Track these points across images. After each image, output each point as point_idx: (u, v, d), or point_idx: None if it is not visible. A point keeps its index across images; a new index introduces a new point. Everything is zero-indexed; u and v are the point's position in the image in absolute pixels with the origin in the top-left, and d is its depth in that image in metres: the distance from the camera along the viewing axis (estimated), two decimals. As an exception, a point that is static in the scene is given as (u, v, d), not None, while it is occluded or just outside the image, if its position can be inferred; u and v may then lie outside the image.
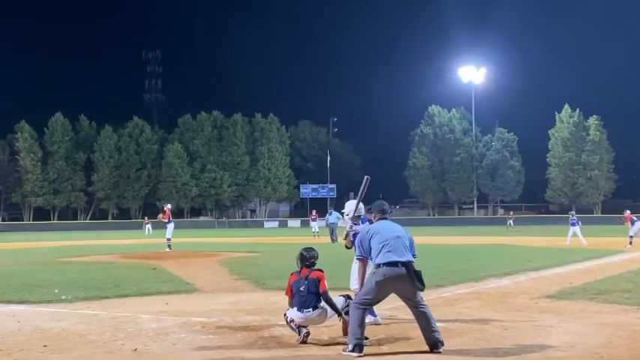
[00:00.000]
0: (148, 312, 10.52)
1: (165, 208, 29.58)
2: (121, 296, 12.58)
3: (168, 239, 27.66)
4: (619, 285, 13.28)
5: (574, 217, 31.05)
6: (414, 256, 7.73)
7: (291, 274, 8.39)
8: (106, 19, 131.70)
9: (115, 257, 23.76)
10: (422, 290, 7.58)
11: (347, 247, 9.24)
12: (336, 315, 8.09)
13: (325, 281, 8.14)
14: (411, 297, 7.54)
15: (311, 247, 8.59)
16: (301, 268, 8.30)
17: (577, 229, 29.94)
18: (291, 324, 8.05)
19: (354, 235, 8.92)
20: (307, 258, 8.33)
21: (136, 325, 9.36)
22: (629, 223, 28.46)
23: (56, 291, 12.52)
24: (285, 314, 8.22)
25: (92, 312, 10.64)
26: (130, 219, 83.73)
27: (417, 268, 7.59)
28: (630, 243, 26.92)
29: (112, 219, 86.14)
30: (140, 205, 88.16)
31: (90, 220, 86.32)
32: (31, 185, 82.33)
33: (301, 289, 8.08)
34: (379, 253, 7.57)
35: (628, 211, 29.86)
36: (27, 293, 12.85)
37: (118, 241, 39.87)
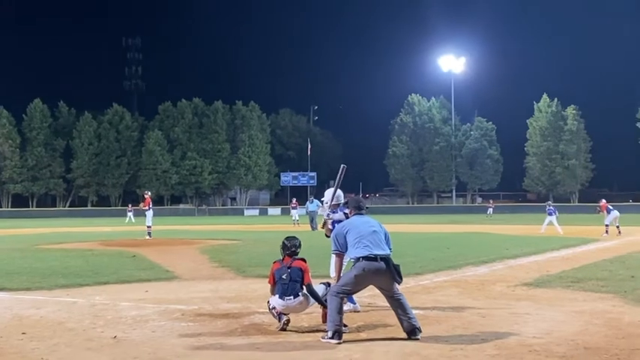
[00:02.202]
0: (128, 299, 10.51)
1: (145, 196, 29.50)
2: (100, 284, 12.56)
3: (149, 227, 27.61)
4: (595, 273, 13.42)
5: (551, 207, 31.45)
6: (390, 250, 7.81)
7: (274, 262, 8.44)
8: (86, 6, 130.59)
9: (94, 245, 23.65)
10: (399, 283, 7.67)
11: (327, 235, 9.29)
12: (318, 304, 8.15)
13: (309, 273, 8.21)
14: (388, 289, 7.62)
15: (293, 236, 8.64)
16: (284, 256, 8.36)
17: (554, 218, 30.27)
18: (273, 311, 8.11)
19: (333, 224, 8.98)
20: (289, 247, 8.38)
21: (116, 312, 9.35)
22: (605, 212, 28.77)
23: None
24: (268, 301, 8.27)
25: (71, 299, 10.60)
26: (110, 206, 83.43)
27: (395, 262, 7.68)
28: (606, 232, 27.24)
29: (92, 206, 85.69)
30: (120, 193, 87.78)
31: (69, 207, 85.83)
32: (9, 172, 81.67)
33: (283, 276, 8.13)
34: (356, 247, 7.64)
35: (604, 200, 30.18)
36: (6, 281, 12.79)
37: (97, 228, 39.68)
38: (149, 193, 30.57)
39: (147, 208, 28.27)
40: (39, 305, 9.98)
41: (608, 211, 28.52)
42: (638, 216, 46.94)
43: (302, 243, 8.65)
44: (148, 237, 26.78)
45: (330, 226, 9.16)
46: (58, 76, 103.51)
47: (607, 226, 27.80)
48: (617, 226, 27.95)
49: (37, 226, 43.40)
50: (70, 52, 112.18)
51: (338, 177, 9.48)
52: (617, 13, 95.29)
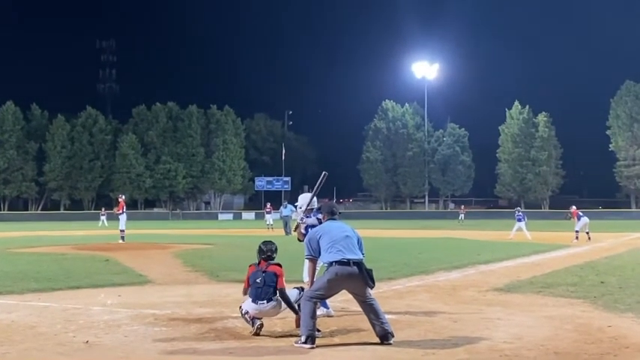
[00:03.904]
0: (100, 304, 10.45)
1: (119, 200, 29.28)
2: (72, 288, 12.47)
3: (122, 230, 27.45)
4: (565, 279, 13.56)
5: (520, 213, 32.01)
6: (362, 255, 7.86)
7: (250, 265, 8.45)
8: (59, 7, 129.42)
9: (67, 248, 23.43)
10: (372, 288, 7.71)
11: (299, 239, 9.33)
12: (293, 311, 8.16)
13: (283, 278, 8.23)
14: (361, 293, 7.66)
15: (270, 241, 8.65)
16: (259, 260, 8.38)
17: (523, 224, 30.73)
18: (246, 316, 8.10)
19: (306, 228, 9.01)
20: (264, 251, 8.40)
21: (88, 317, 9.28)
22: (576, 218, 29.06)
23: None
24: (240, 306, 8.27)
25: (43, 304, 10.51)
26: (83, 210, 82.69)
27: (368, 267, 7.72)
28: (576, 238, 27.50)
29: (64, 210, 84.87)
30: (93, 197, 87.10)
31: (41, 210, 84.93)
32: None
33: (257, 280, 8.15)
34: (329, 251, 7.67)
35: (574, 207, 30.47)
36: (-24, 285, 12.65)
37: (70, 232, 39.32)
38: (123, 197, 30.30)
39: (120, 212, 28.08)
40: (10, 309, 9.88)
41: (579, 218, 28.80)
42: (607, 222, 47.57)
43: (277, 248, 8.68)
44: (121, 241, 26.62)
45: (302, 230, 9.19)
46: (31, 78, 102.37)
47: (577, 232, 28.08)
48: (587, 232, 28.23)
49: (8, 229, 42.89)
50: (43, 54, 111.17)
51: (318, 183, 9.50)
52: (587, 23, 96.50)
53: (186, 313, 9.55)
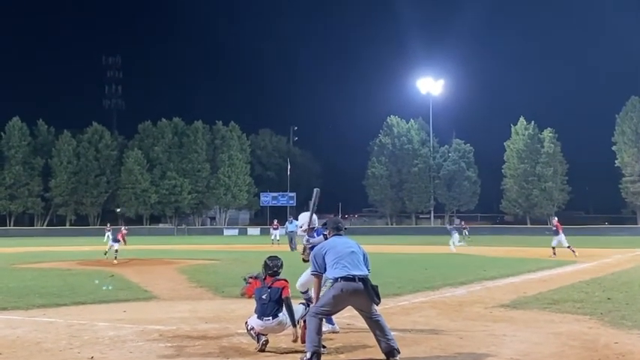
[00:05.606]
0: (105, 320, 10.44)
1: (123, 230, 29.60)
2: (77, 303, 12.47)
3: (116, 251, 27.54)
4: (571, 295, 13.52)
5: (455, 225, 32.78)
6: (368, 270, 7.84)
7: (256, 279, 8.43)
8: (65, 24, 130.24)
9: (72, 264, 23.50)
10: (378, 304, 7.69)
11: (304, 260, 9.31)
12: (291, 324, 8.13)
13: (288, 289, 8.22)
14: (367, 309, 7.65)
15: (275, 256, 8.63)
16: (265, 276, 8.36)
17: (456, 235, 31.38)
18: (251, 332, 8.09)
19: (312, 248, 8.97)
20: (270, 267, 8.39)
21: (93, 332, 9.29)
22: (559, 231, 28.13)
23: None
24: (246, 322, 8.26)
25: (48, 319, 10.53)
26: (88, 225, 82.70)
27: (373, 283, 7.70)
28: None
29: (70, 225, 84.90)
30: (99, 212, 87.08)
31: (47, 226, 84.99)
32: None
33: (263, 296, 8.14)
34: (335, 267, 7.66)
35: (556, 218, 29.56)
36: (-19, 300, 12.66)
37: (75, 247, 39.32)
38: (124, 230, 30.54)
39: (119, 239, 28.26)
40: (15, 325, 9.89)
41: (557, 232, 28.01)
42: (613, 238, 47.37)
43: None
44: (115, 261, 26.55)
45: (309, 251, 9.15)
46: (38, 94, 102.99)
47: (554, 248, 27.35)
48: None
49: (14, 245, 42.98)
50: (50, 70, 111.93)
51: (312, 201, 9.46)
52: (592, 38, 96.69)
53: (191, 329, 9.54)
